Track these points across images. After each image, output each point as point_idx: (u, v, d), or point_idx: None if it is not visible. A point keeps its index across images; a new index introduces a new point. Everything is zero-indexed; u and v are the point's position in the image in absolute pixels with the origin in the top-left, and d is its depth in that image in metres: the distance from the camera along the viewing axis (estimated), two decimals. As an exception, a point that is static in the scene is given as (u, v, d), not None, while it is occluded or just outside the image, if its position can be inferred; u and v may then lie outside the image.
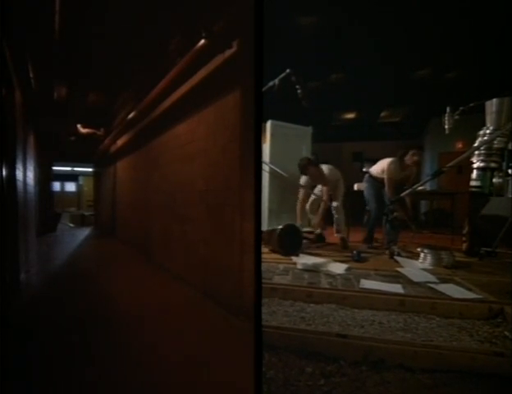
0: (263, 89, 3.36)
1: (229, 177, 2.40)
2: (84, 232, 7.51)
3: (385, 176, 3.74)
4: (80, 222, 8.91)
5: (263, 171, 4.45)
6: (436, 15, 3.52)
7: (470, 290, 2.32)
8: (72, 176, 12.05)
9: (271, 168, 4.50)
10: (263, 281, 2.31)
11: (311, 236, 4.20)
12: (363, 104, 6.32)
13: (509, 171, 3.43)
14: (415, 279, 2.59)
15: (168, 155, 3.63)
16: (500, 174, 3.47)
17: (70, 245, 5.57)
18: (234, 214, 2.31)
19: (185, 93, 2.97)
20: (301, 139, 5.27)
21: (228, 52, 2.26)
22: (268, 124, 4.86)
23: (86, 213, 9.43)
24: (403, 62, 4.61)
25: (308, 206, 4.28)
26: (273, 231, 3.58)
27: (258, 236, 1.29)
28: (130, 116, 4.26)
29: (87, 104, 5.09)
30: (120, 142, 5.63)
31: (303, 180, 4.24)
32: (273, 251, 3.54)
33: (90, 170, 9.79)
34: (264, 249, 3.63)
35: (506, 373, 1.34)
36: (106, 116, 5.52)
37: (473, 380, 1.33)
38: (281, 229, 3.50)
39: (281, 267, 3.00)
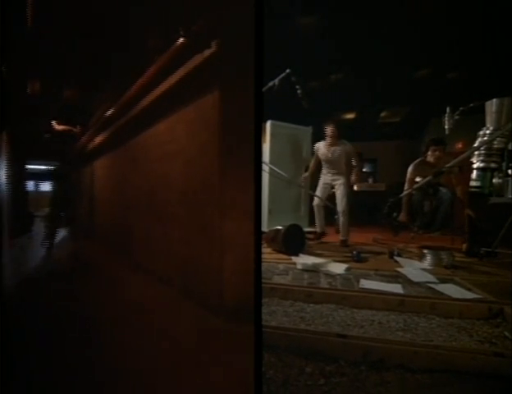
0: (263, 89, 3.35)
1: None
2: (61, 233, 7.37)
3: None
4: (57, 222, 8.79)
5: (263, 172, 4.44)
6: (436, 14, 3.52)
7: (470, 290, 2.32)
8: (47, 175, 11.90)
9: (271, 168, 4.50)
10: (263, 281, 2.31)
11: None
12: (363, 104, 6.31)
13: (509, 171, 3.43)
14: (415, 279, 2.59)
15: (150, 153, 3.53)
16: (500, 174, 3.47)
17: (45, 246, 5.42)
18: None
19: (164, 92, 2.88)
20: (301, 139, 5.28)
21: (208, 52, 2.20)
22: (268, 124, 4.86)
23: (62, 213, 9.27)
24: (403, 62, 4.60)
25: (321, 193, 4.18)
26: (277, 231, 3.60)
27: (258, 236, 1.29)
28: (108, 113, 4.12)
29: (62, 101, 5.03)
30: (97, 140, 5.52)
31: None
32: (277, 251, 3.55)
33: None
34: (266, 249, 3.63)
35: (506, 373, 1.34)
36: (82, 113, 5.45)
37: (472, 380, 1.33)
38: (286, 229, 3.52)
39: (281, 267, 3.00)
